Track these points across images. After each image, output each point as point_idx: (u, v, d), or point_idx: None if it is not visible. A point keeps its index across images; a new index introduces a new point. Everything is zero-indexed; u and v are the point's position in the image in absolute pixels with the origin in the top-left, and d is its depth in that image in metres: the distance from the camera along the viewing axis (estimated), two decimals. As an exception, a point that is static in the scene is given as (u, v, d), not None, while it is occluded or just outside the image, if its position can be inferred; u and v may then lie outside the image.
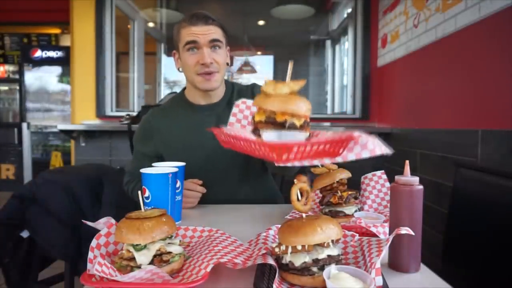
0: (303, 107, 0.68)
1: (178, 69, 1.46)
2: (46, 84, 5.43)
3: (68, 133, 3.15)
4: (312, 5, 4.37)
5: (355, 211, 1.04)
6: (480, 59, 1.77)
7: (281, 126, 0.68)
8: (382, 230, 0.90)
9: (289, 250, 0.62)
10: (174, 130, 1.39)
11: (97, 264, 0.55)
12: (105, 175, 1.73)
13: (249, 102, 1.08)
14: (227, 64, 1.40)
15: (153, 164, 1.09)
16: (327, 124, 3.20)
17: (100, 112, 3.38)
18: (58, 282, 1.79)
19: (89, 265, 0.60)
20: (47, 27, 5.40)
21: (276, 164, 0.62)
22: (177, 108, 1.46)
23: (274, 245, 0.66)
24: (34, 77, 5.39)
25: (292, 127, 0.68)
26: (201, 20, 1.32)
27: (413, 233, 0.66)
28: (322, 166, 1.07)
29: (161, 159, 1.38)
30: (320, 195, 1.09)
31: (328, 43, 4.67)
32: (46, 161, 5.18)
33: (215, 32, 1.33)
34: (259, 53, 5.54)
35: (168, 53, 4.81)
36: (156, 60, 4.81)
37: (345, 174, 1.07)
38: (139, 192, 0.74)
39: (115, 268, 0.59)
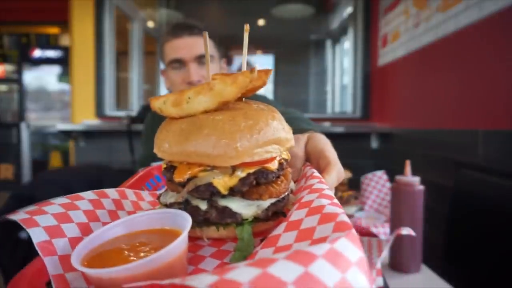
0: (238, 142, 0.40)
1: (168, 89, 1.33)
2: (45, 84, 5.42)
3: (67, 133, 3.15)
4: (312, 5, 4.37)
5: (356, 211, 1.04)
6: (481, 59, 1.77)
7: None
8: (383, 230, 0.90)
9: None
10: None
11: None
12: (105, 175, 1.72)
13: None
14: None
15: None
16: (327, 124, 3.20)
17: (100, 112, 3.38)
18: (57, 283, 1.78)
19: None
20: (46, 26, 5.39)
21: None
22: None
23: None
24: (33, 77, 5.38)
25: (202, 195, 0.43)
26: (184, 31, 1.16)
27: (414, 234, 0.65)
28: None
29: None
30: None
31: (328, 43, 4.67)
32: (45, 161, 5.18)
33: (202, 44, 1.16)
34: (259, 52, 5.54)
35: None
36: (156, 60, 4.81)
37: (346, 174, 1.07)
38: None
39: None
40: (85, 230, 0.44)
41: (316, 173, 0.51)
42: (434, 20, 2.19)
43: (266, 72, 0.44)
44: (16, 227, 1.53)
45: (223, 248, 0.45)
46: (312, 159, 0.62)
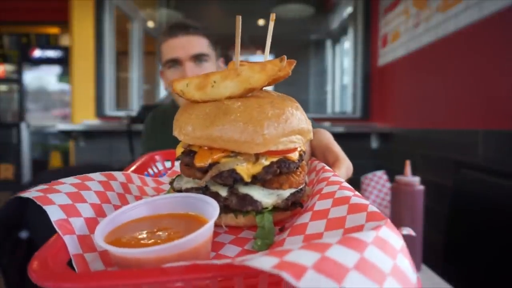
0: (266, 130, 0.40)
1: (166, 90, 1.34)
2: (45, 84, 5.42)
3: (67, 133, 3.15)
4: (312, 5, 4.37)
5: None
6: (481, 59, 1.77)
7: (204, 175, 0.43)
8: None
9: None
10: (165, 140, 1.39)
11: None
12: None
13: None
14: None
15: None
16: (327, 124, 3.19)
17: (100, 112, 3.38)
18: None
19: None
20: (46, 26, 5.39)
21: None
22: (174, 117, 1.41)
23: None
24: (33, 77, 5.38)
25: (225, 181, 0.42)
26: (180, 30, 1.17)
27: (414, 234, 0.65)
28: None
29: None
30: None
31: (328, 43, 4.67)
32: (45, 161, 5.17)
33: (198, 44, 1.18)
34: (259, 52, 5.54)
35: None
36: (155, 60, 4.81)
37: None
38: None
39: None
40: (99, 211, 0.43)
41: (327, 167, 0.52)
42: (434, 20, 2.19)
43: (290, 63, 0.43)
44: (16, 227, 1.52)
45: (240, 236, 0.45)
46: (318, 153, 0.63)
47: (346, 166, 0.57)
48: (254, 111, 0.40)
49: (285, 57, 0.41)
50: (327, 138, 0.64)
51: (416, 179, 0.95)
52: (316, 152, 0.64)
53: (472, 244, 1.29)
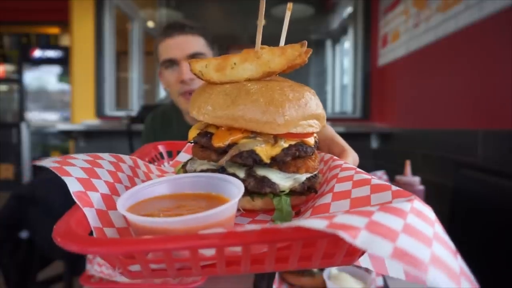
0: (287, 111, 0.40)
1: (165, 90, 1.34)
2: (45, 84, 5.42)
3: (67, 133, 3.15)
4: (312, 5, 4.37)
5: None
6: (481, 59, 1.77)
7: (220, 157, 0.42)
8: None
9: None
10: (165, 140, 1.39)
11: (97, 265, 0.55)
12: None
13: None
14: None
15: None
16: (327, 124, 3.20)
17: (100, 112, 3.38)
18: (57, 282, 1.78)
19: (88, 266, 0.60)
20: (46, 26, 5.39)
21: None
22: (173, 117, 1.41)
23: None
24: (33, 77, 5.38)
25: (245, 161, 0.41)
26: (176, 29, 1.17)
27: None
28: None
29: None
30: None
31: (328, 43, 4.67)
32: (46, 161, 5.17)
33: (194, 43, 1.18)
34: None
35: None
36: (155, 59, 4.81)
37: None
38: None
39: None
40: (113, 190, 0.42)
41: (336, 157, 0.53)
42: (434, 20, 2.19)
43: (307, 51, 0.43)
44: (16, 227, 1.52)
45: (257, 218, 0.45)
46: (323, 145, 0.65)
47: (352, 157, 0.59)
48: (275, 93, 0.41)
49: (306, 42, 0.41)
50: (331, 131, 0.66)
51: (416, 179, 0.95)
52: (321, 144, 0.65)
53: (472, 244, 1.30)
